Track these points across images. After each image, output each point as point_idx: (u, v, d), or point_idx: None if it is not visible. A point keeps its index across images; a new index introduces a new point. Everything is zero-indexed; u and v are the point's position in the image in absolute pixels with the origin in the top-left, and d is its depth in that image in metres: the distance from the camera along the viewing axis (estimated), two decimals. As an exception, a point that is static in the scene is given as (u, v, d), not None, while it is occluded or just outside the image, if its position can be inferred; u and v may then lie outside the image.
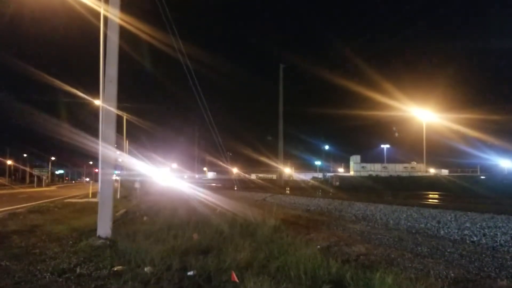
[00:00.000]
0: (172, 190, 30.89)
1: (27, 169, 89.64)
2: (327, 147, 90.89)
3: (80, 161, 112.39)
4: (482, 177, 41.35)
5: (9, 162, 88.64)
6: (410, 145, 70.16)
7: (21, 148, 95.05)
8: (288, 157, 77.02)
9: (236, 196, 24.45)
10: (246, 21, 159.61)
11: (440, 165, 70.71)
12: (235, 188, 41.19)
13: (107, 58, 9.28)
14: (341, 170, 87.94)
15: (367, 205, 15.56)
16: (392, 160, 75.32)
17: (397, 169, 69.38)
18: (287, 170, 79.14)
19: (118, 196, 23.78)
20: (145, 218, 12.36)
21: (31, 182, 78.55)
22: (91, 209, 15.33)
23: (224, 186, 48.50)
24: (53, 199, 25.51)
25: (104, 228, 8.74)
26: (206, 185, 43.68)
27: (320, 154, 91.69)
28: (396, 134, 74.48)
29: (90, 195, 26.30)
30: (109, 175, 9.59)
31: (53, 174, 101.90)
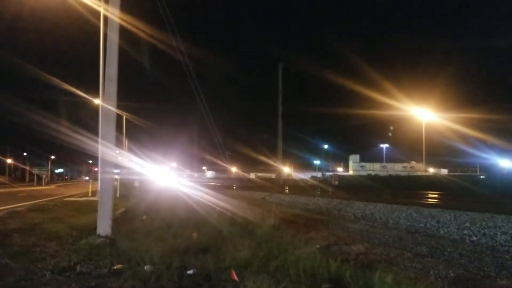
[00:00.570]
0: (171, 189, 30.90)
1: (27, 167, 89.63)
2: (326, 146, 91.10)
3: (79, 160, 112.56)
4: (481, 176, 41.41)
5: (9, 160, 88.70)
6: (410, 145, 70.24)
7: (20, 146, 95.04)
8: (287, 157, 77.10)
9: (235, 195, 24.47)
10: (246, 20, 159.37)
11: (439, 164, 70.83)
12: (234, 187, 41.22)
13: (107, 57, 9.28)
14: (340, 169, 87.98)
15: (366, 204, 15.58)
16: (391, 159, 75.42)
17: (396, 168, 69.48)
18: (286, 170, 79.22)
19: (118, 195, 23.77)
20: (144, 217, 12.36)
21: (31, 180, 78.59)
22: (91, 207, 15.33)
23: (223, 185, 48.51)
24: (52, 197, 25.50)
25: (104, 227, 8.74)
26: (205, 184, 43.68)
27: (319, 153, 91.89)
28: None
29: (90, 194, 26.28)
30: (109, 174, 9.59)
31: (52, 172, 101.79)
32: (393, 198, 20.50)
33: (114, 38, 9.23)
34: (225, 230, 8.88)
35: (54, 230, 9.92)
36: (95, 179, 34.89)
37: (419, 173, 59.30)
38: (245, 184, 49.75)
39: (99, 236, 8.55)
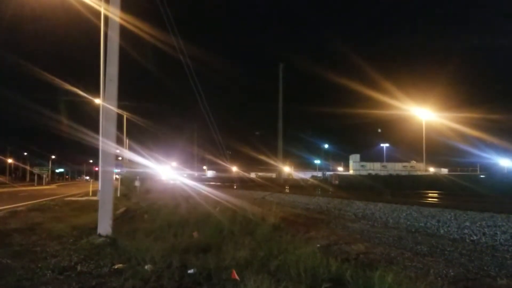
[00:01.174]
0: (171, 188, 30.92)
1: (27, 167, 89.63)
2: (326, 146, 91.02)
3: (80, 160, 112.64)
4: (481, 176, 41.37)
5: (9, 160, 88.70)
6: (410, 144, 70.19)
7: (21, 146, 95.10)
8: (288, 156, 77.11)
9: (236, 195, 24.46)
10: (246, 20, 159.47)
11: (439, 164, 70.75)
12: (235, 187, 41.23)
13: (108, 57, 9.29)
14: (340, 169, 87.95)
15: (367, 204, 15.59)
16: (391, 159, 75.31)
17: (397, 168, 69.38)
18: (287, 169, 79.21)
19: (118, 194, 23.79)
20: (145, 216, 12.38)
21: (31, 180, 78.56)
22: (92, 207, 15.34)
23: (224, 184, 48.52)
24: (53, 197, 25.51)
25: (104, 226, 8.75)
26: (205, 183, 43.70)
27: (319, 152, 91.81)
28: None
29: (90, 193, 26.30)
30: (110, 173, 9.60)
31: (53, 172, 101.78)
32: (393, 197, 20.52)
33: (114, 37, 9.24)
34: (226, 229, 8.89)
35: (55, 229, 9.93)
36: (96, 178, 34.95)
37: (419, 173, 59.25)
38: (245, 184, 49.73)
39: (99, 235, 8.56)
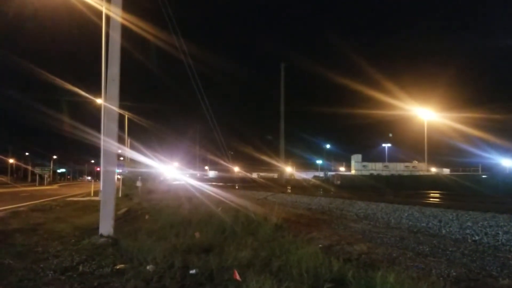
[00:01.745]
0: (173, 188, 30.93)
1: (29, 167, 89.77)
2: (328, 146, 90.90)
3: (82, 160, 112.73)
4: (483, 176, 41.31)
5: (11, 160, 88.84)
6: (412, 144, 70.12)
7: (23, 146, 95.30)
8: (290, 156, 77.00)
9: (238, 195, 24.46)
10: (248, 20, 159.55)
11: (441, 164, 70.62)
12: (237, 187, 41.24)
13: (109, 57, 9.30)
14: (342, 169, 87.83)
15: (369, 204, 15.58)
16: (393, 159, 75.25)
17: (399, 168, 69.32)
18: (289, 169, 79.12)
19: (120, 195, 23.81)
20: (147, 216, 12.38)
21: (33, 180, 78.72)
22: (93, 207, 15.36)
23: (226, 184, 48.52)
24: (55, 197, 25.56)
25: (106, 227, 8.76)
26: (207, 183, 43.71)
27: (321, 153, 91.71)
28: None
29: (92, 194, 26.34)
30: (111, 173, 9.60)
31: (54, 172, 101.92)
32: (395, 197, 20.50)
33: (116, 37, 9.24)
34: (228, 229, 8.89)
35: (57, 230, 9.95)
36: (98, 179, 34.98)
37: (421, 173, 59.22)
38: (247, 184, 49.75)
39: (101, 236, 8.57)
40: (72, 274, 5.81)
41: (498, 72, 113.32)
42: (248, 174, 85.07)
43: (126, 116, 36.74)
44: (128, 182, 33.07)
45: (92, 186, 29.79)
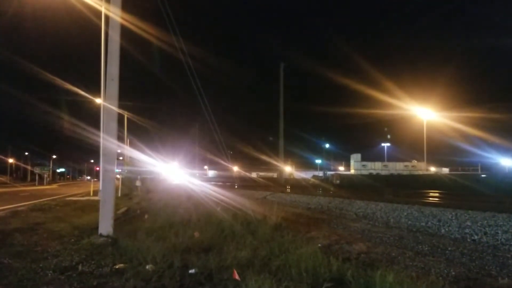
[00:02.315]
0: (173, 188, 30.92)
1: (28, 167, 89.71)
2: (327, 145, 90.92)
3: (81, 159, 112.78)
4: (483, 175, 41.43)
5: (10, 160, 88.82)
6: (411, 144, 70.23)
7: (22, 146, 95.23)
8: (289, 156, 77.00)
9: (237, 194, 24.47)
10: (247, 19, 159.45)
11: (440, 163, 70.77)
12: (236, 186, 41.23)
13: (109, 56, 9.29)
14: (341, 168, 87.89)
15: (368, 203, 15.58)
16: (392, 158, 75.35)
17: (398, 167, 69.38)
18: (288, 169, 79.12)
19: (120, 194, 23.81)
20: (146, 216, 12.38)
21: (32, 180, 78.69)
22: (93, 207, 15.36)
23: (225, 184, 48.52)
24: (54, 197, 25.55)
25: (105, 226, 8.76)
26: (207, 183, 43.70)
27: (320, 152, 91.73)
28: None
29: (91, 193, 26.32)
30: (111, 173, 9.60)
31: (54, 172, 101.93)
32: (394, 197, 20.50)
33: (115, 37, 9.24)
34: (227, 229, 8.89)
35: (56, 229, 9.95)
36: (97, 178, 34.99)
37: (420, 172, 59.27)
38: (246, 183, 49.74)
39: (101, 235, 8.57)
40: (71, 274, 5.81)
41: (498, 71, 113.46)
42: (248, 174, 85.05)
43: (126, 115, 36.73)
44: (128, 182, 33.07)
45: (92, 185, 29.76)
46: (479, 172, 55.01)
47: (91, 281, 5.46)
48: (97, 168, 36.94)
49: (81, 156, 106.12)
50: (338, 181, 52.03)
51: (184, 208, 13.40)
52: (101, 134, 10.09)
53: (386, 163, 73.15)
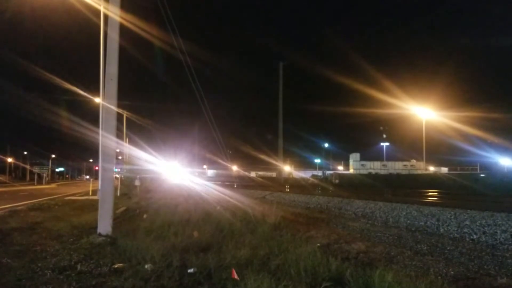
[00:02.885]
0: (172, 187, 30.91)
1: (27, 166, 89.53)
2: (326, 145, 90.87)
3: (80, 159, 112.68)
4: (481, 175, 41.45)
5: (9, 159, 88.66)
6: (410, 143, 70.30)
7: (21, 145, 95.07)
8: (288, 155, 77.10)
9: (236, 194, 24.47)
10: (246, 19, 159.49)
11: (439, 163, 70.78)
12: (235, 186, 41.21)
13: (108, 56, 9.29)
14: (340, 168, 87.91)
15: (367, 203, 15.59)
16: (391, 158, 75.33)
17: (397, 167, 69.45)
18: (287, 168, 79.20)
19: (119, 194, 23.80)
20: (145, 215, 12.37)
21: (31, 179, 78.53)
22: (92, 206, 15.36)
23: (224, 183, 48.51)
24: (53, 196, 25.52)
25: (104, 226, 8.76)
26: (206, 182, 43.67)
27: (319, 152, 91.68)
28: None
29: (90, 193, 26.31)
30: (110, 172, 9.60)
31: (53, 171, 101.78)
32: (393, 196, 20.51)
33: (114, 37, 9.23)
34: (226, 228, 8.89)
35: (55, 229, 9.95)
36: (96, 178, 34.95)
37: (419, 172, 59.31)
38: (245, 183, 49.72)
39: (99, 235, 8.57)
40: (70, 273, 5.81)
41: (497, 71, 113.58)
42: (247, 173, 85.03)
43: (125, 115, 36.71)
44: (127, 181, 33.06)
45: (91, 185, 29.73)
46: (478, 171, 54.98)
47: (90, 281, 5.45)
48: (96, 168, 36.88)
49: (80, 155, 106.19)
50: (337, 181, 52.11)
51: (183, 208, 13.39)
52: (100, 134, 10.08)
53: (385, 162, 73.19)
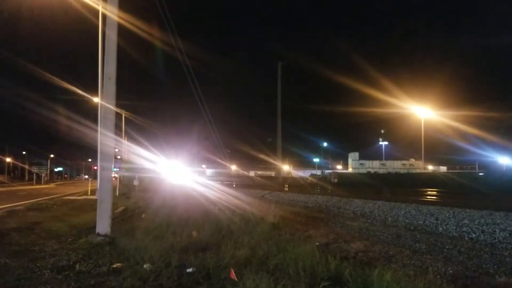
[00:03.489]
0: (171, 187, 30.87)
1: (26, 166, 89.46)
2: (325, 144, 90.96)
3: (79, 158, 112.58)
4: (480, 174, 41.52)
5: (8, 159, 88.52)
6: (409, 142, 70.25)
7: (20, 145, 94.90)
8: (287, 155, 77.06)
9: (235, 193, 24.47)
10: (245, 18, 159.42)
11: (438, 162, 70.84)
12: (234, 185, 41.22)
13: (106, 56, 9.26)
14: (339, 167, 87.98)
15: (366, 202, 15.60)
16: (390, 157, 75.45)
17: (396, 166, 69.56)
18: (286, 167, 79.19)
19: (117, 194, 23.77)
20: (143, 215, 12.37)
21: (30, 179, 78.41)
22: (90, 206, 15.33)
23: (223, 183, 48.52)
24: (52, 196, 25.47)
25: (103, 225, 8.74)
26: (204, 182, 43.61)
27: (318, 151, 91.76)
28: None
29: (89, 193, 26.27)
30: (108, 172, 9.57)
31: (52, 171, 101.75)
32: (392, 195, 20.53)
33: (112, 36, 9.21)
34: (225, 228, 8.89)
35: (53, 229, 9.93)
36: (95, 177, 34.91)
37: (418, 171, 59.38)
38: (244, 182, 49.74)
39: (98, 234, 8.55)
40: (69, 273, 5.79)
41: (495, 70, 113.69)
42: (245, 173, 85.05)
43: (123, 114, 36.67)
44: (126, 181, 33.03)
45: (89, 184, 29.69)
46: (477, 170, 55.12)
47: (89, 281, 5.44)
48: (95, 168, 36.83)
49: (79, 155, 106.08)
50: (336, 180, 52.16)
51: (182, 207, 13.38)
52: (99, 133, 10.07)
53: (384, 161, 73.31)
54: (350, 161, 75.24)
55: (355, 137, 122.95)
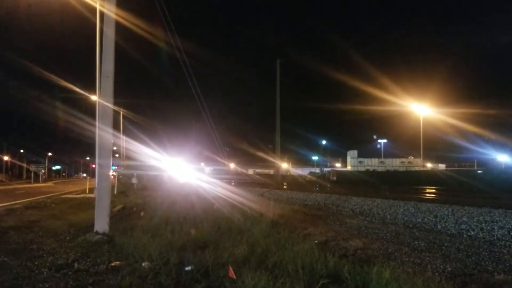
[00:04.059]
0: (170, 185, 30.85)
1: (24, 165, 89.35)
2: (324, 142, 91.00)
3: (77, 156, 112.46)
4: (479, 171, 41.48)
5: (6, 158, 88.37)
6: (407, 140, 70.39)
7: (17, 143, 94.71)
8: (286, 152, 77.03)
9: (233, 191, 24.46)
10: (244, 16, 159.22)
11: (437, 159, 70.90)
12: (232, 183, 41.18)
13: (104, 53, 9.25)
14: (338, 165, 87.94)
15: (364, 200, 15.61)
16: (389, 155, 75.49)
17: (394, 163, 69.53)
18: (285, 165, 79.16)
19: (115, 192, 23.74)
20: (142, 213, 12.35)
21: (28, 178, 78.31)
22: (88, 204, 15.31)
23: (221, 181, 48.51)
24: (50, 194, 25.45)
25: (101, 224, 8.73)
26: (202, 180, 43.54)
27: (317, 149, 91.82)
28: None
29: (87, 191, 26.24)
30: (106, 170, 9.56)
31: (50, 169, 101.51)
32: (390, 193, 20.53)
33: (110, 34, 9.19)
34: (223, 226, 8.88)
35: (52, 227, 9.91)
36: (93, 176, 34.84)
37: (417, 168, 59.39)
38: (243, 180, 49.69)
39: (96, 233, 8.54)
40: (67, 272, 5.78)
41: (493, 67, 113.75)
42: (244, 171, 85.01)
43: (121, 112, 36.62)
44: (124, 179, 33.00)
45: (87, 183, 29.64)
46: (475, 168, 55.08)
47: (87, 279, 5.43)
48: (93, 166, 36.76)
49: (77, 153, 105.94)
50: (334, 178, 52.14)
51: (181, 205, 13.37)
52: (97, 131, 10.04)
53: (382, 159, 73.26)
54: (348, 159, 75.15)
55: (354, 135, 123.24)
